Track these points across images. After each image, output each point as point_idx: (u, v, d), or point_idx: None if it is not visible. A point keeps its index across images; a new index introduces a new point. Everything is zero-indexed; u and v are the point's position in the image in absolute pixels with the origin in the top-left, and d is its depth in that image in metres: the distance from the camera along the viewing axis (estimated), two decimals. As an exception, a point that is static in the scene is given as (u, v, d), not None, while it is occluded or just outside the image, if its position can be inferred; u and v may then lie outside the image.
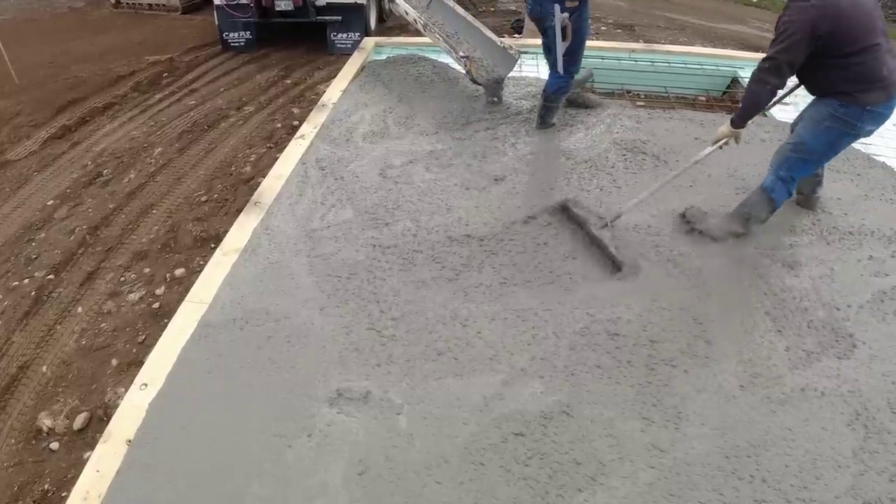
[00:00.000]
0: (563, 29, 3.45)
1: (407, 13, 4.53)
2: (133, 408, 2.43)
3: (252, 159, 5.27)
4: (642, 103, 5.08)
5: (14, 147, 6.19)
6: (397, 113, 4.30)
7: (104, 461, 2.24)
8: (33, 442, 3.24)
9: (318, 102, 4.45)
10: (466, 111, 4.25)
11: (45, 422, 3.31)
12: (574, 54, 3.69)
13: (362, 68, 5.09)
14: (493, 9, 9.70)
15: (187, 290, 4.06)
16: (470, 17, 4.66)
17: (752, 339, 2.62)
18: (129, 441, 2.31)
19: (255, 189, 4.86)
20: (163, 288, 4.14)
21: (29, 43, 8.84)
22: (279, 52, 8.05)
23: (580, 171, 3.63)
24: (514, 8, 9.63)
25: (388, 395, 2.38)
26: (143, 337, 3.82)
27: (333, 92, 4.60)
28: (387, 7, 8.92)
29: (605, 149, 3.86)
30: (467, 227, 3.18)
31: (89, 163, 5.76)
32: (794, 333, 2.64)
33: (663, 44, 8.18)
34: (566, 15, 3.42)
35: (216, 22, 7.94)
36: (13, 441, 3.25)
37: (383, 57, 5.33)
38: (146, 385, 2.52)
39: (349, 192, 3.49)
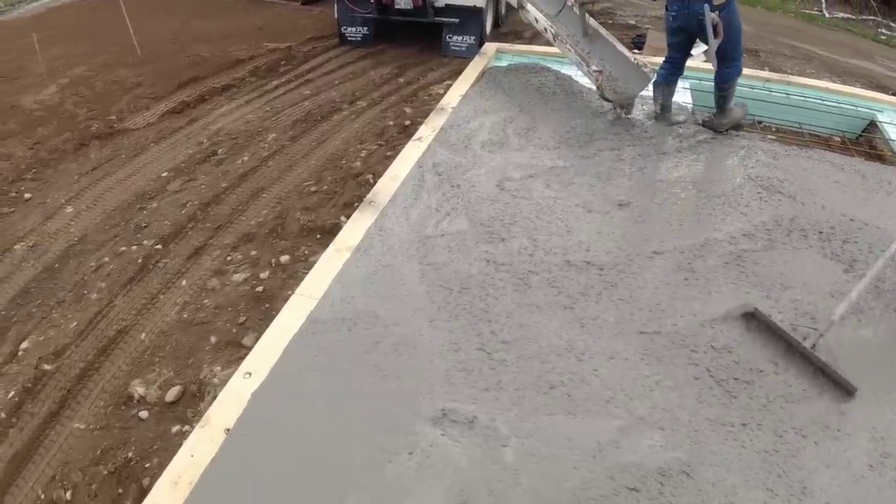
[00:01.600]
0: (714, 27, 3.58)
1: (537, 21, 4.41)
2: (235, 396, 2.43)
3: (363, 155, 5.31)
4: (774, 137, 4.74)
5: (133, 116, 6.50)
6: (517, 123, 4.19)
7: (200, 447, 2.22)
8: (123, 408, 3.29)
9: (437, 105, 4.41)
10: (590, 128, 4.08)
11: (138, 389, 3.36)
12: (734, 46, 3.90)
13: (482, 74, 5.02)
14: (610, 21, 9.41)
15: (290, 278, 4.17)
16: (602, 30, 4.49)
17: (888, 415, 2.36)
18: (228, 430, 2.29)
19: (364, 185, 4.93)
20: (267, 272, 4.21)
21: (154, 16, 9.33)
22: (394, 50, 8.12)
23: (712, 206, 3.39)
24: (633, 22, 9.32)
25: (494, 424, 2.26)
26: (244, 319, 3.88)
27: (452, 96, 4.55)
28: (503, 12, 8.88)
29: (738, 184, 3.60)
30: (587, 253, 3.03)
31: (205, 140, 5.99)
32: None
33: (798, 75, 7.68)
34: (716, 14, 3.56)
35: (335, 15, 8.11)
36: (102, 404, 3.31)
37: (504, 64, 5.24)
38: (250, 374, 2.52)
39: (465, 202, 3.41)
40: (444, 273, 2.94)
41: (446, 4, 7.66)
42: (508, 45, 5.58)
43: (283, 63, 7.69)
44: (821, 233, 3.24)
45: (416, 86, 6.93)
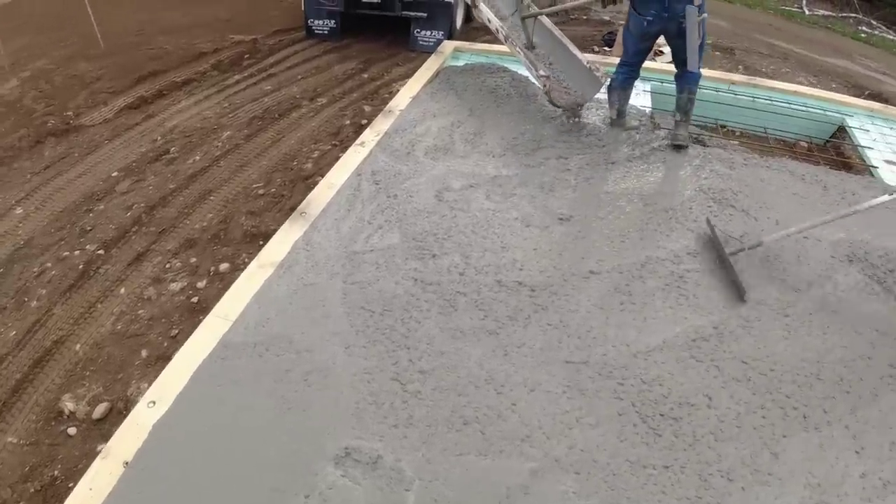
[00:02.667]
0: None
1: (489, 21, 4.20)
2: (137, 426, 2.27)
3: (315, 156, 5.09)
4: (737, 143, 4.57)
5: (90, 112, 6.27)
6: (466, 128, 3.98)
7: (98, 479, 2.10)
8: (53, 423, 3.16)
9: (385, 108, 4.19)
10: (539, 134, 3.88)
11: (68, 405, 3.24)
12: (702, 48, 3.70)
13: (436, 74, 4.81)
14: (585, 17, 9.17)
15: (226, 288, 3.96)
16: (557, 31, 4.28)
17: (827, 456, 2.19)
18: (127, 463, 2.14)
19: (313, 188, 4.72)
20: (204, 282, 4.02)
21: (124, 5, 9.03)
22: (361, 44, 7.87)
23: (657, 221, 3.21)
24: (607, 18, 9.08)
25: (399, 465, 2.09)
26: (177, 332, 3.70)
27: (402, 97, 4.33)
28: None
29: (689, 196, 3.42)
30: (520, 273, 2.84)
31: (159, 138, 5.75)
32: (874, 457, 2.19)
33: (772, 76, 7.51)
34: (706, 16, 3.42)
35: (303, 7, 7.84)
36: (34, 418, 3.18)
37: (461, 63, 5.02)
38: (154, 403, 2.35)
39: (400, 214, 3.21)
40: (367, 293, 2.75)
41: (414, -2, 7.42)
42: (468, 43, 5.36)
43: (246, 57, 7.42)
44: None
45: (379, 82, 6.70)
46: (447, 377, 2.38)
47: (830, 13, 10.49)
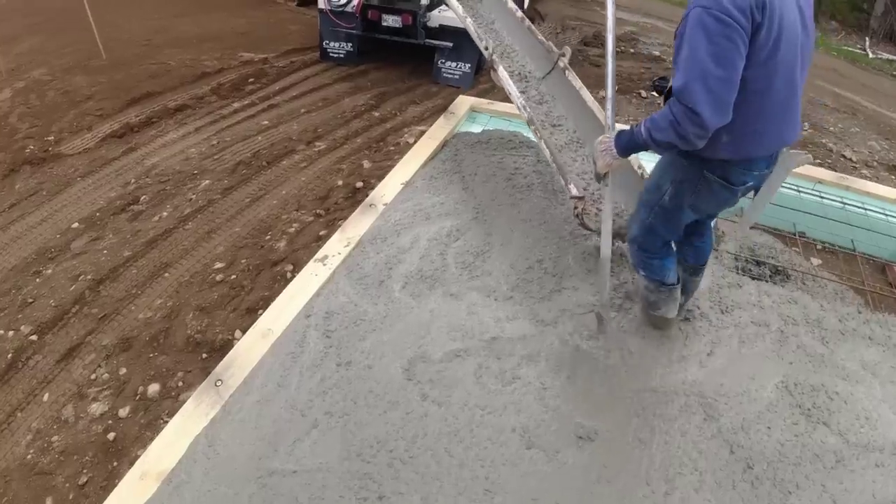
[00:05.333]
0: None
1: (510, 94, 2.99)
2: None
3: (292, 230, 3.97)
4: (819, 261, 3.32)
5: (72, 138, 5.29)
6: (466, 241, 2.81)
7: None
8: None
9: (366, 200, 3.04)
10: (561, 265, 2.66)
11: None
12: None
13: (443, 145, 3.61)
14: (632, 51, 7.78)
15: (149, 426, 2.90)
16: (603, 114, 3.02)
17: None
18: None
19: (279, 280, 3.61)
20: (128, 409, 2.96)
21: (138, 9, 8.03)
22: (379, 72, 6.69)
23: (721, 459, 2.00)
24: (657, 53, 7.66)
25: None
26: (85, 479, 2.69)
27: (391, 184, 3.17)
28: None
29: (768, 402, 2.19)
30: (510, 556, 1.70)
31: (133, 181, 4.71)
32: None
33: (842, 136, 6.10)
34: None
35: (319, 27, 6.68)
36: None
37: (477, 128, 3.82)
38: None
39: (349, 401, 2.08)
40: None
41: (441, 25, 6.19)
42: (487, 102, 4.12)
43: (251, 80, 6.31)
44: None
45: (389, 125, 5.52)
46: None
47: (894, 57, 8.89)
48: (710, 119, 1.59)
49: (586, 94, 3.05)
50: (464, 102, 4.03)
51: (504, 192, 3.14)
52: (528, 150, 3.49)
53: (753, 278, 2.91)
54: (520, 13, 3.50)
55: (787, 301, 2.72)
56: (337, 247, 2.72)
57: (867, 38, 9.38)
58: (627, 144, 1.89)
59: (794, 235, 3.46)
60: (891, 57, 8.91)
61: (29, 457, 2.77)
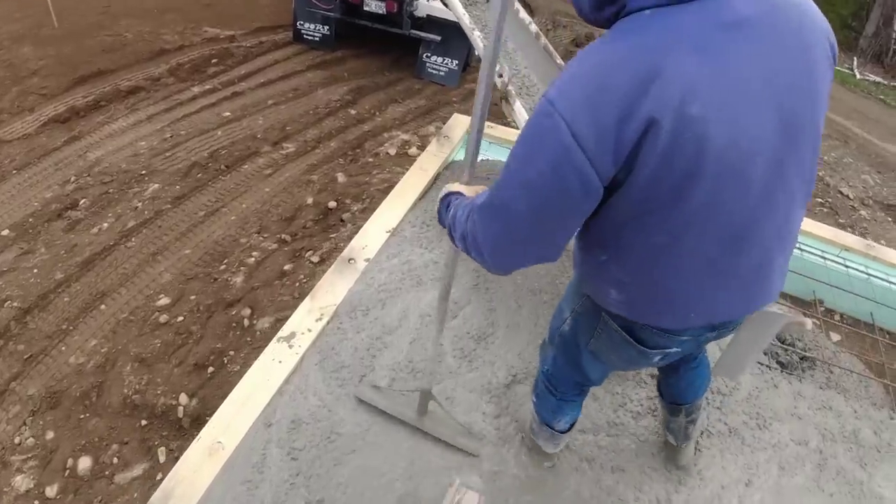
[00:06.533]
0: None
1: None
2: None
3: (251, 260, 3.38)
4: (838, 337, 2.98)
5: (11, 121, 4.54)
6: (466, 318, 2.30)
7: None
8: None
9: (344, 253, 2.49)
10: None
11: None
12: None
13: (436, 179, 3.07)
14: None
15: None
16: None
17: None
18: None
19: (233, 327, 3.03)
20: (55, 488, 2.41)
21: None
22: (357, 60, 5.99)
23: None
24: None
25: None
26: None
27: (375, 231, 2.62)
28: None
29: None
30: None
31: (73, 178, 4.02)
32: None
33: (835, 167, 5.81)
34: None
35: (293, 5, 5.93)
36: None
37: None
38: None
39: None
40: None
41: (428, 16, 5.54)
42: (487, 124, 3.57)
43: (214, 61, 5.54)
44: None
45: (367, 126, 4.90)
46: None
47: (881, 80, 8.67)
48: (491, 264, 1.11)
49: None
50: (459, 124, 3.47)
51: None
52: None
53: (783, 367, 2.53)
54: (534, 27, 2.96)
55: (822, 407, 2.36)
56: (307, 320, 2.19)
57: (855, 59, 9.12)
58: (441, 217, 1.31)
59: (814, 302, 3.10)
60: (878, 79, 8.67)
61: None
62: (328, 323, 2.20)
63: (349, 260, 2.46)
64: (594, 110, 0.88)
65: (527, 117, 2.46)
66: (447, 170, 3.17)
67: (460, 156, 3.33)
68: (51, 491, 2.41)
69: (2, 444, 2.56)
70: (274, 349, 2.09)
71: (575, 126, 0.89)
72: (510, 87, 2.51)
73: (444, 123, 4.60)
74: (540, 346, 1.67)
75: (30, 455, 2.54)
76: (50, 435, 2.60)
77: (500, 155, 3.33)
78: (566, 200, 0.96)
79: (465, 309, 2.33)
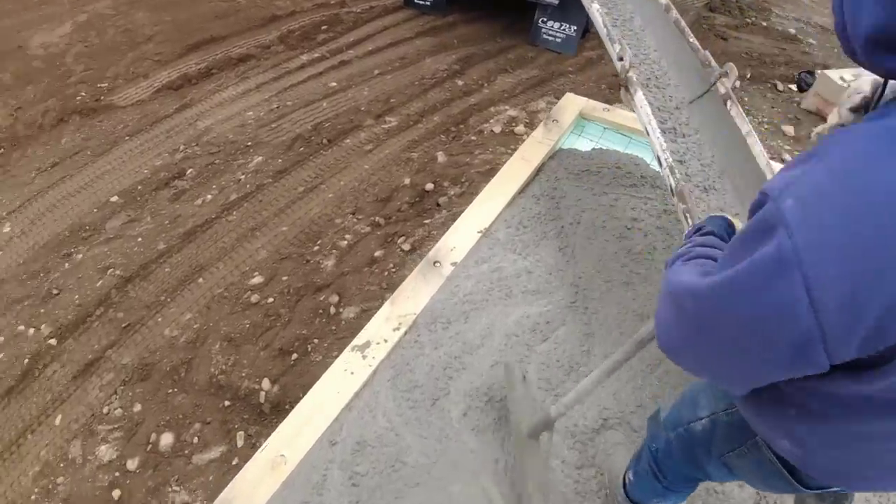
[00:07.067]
0: None
1: (646, 129, 2.11)
2: None
3: (344, 243, 3.31)
4: None
5: (125, 87, 4.78)
6: (558, 343, 2.04)
7: None
8: None
9: (430, 254, 2.30)
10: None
11: None
12: None
13: (538, 171, 2.78)
14: (764, 23, 6.30)
15: (157, 490, 2.47)
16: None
17: None
18: None
19: (321, 314, 2.99)
20: (136, 461, 2.52)
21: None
22: (468, 26, 5.68)
23: None
24: (793, 31, 6.15)
25: None
26: None
27: (465, 230, 2.40)
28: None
29: None
30: None
31: (182, 146, 4.17)
32: None
33: None
34: None
35: (405, -32, 5.71)
36: None
37: (584, 146, 2.94)
38: None
39: None
40: None
41: (547, -23, 5.10)
42: (602, 106, 3.17)
43: (323, 28, 5.50)
44: None
45: (473, 100, 4.63)
46: None
47: None
48: (665, 350, 0.84)
49: (754, 143, 2.11)
50: (570, 106, 3.11)
51: (615, 259, 2.32)
52: (651, 191, 2.61)
53: None
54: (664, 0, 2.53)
55: None
56: (384, 329, 2.04)
57: None
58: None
59: None
60: None
61: (33, 497, 2.42)
62: (406, 334, 2.04)
63: (434, 263, 2.27)
64: (856, 283, 0.58)
65: (649, 113, 2.09)
66: (554, 159, 2.85)
67: (569, 143, 2.99)
68: (132, 464, 2.51)
69: (92, 411, 2.70)
70: (347, 358, 1.97)
71: (818, 295, 0.59)
72: (631, 74, 2.14)
73: (556, 99, 4.23)
74: (650, 419, 1.38)
75: (116, 426, 2.66)
76: (137, 407, 2.71)
77: (616, 143, 2.95)
78: (770, 364, 0.71)
79: (557, 332, 2.07)
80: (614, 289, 2.20)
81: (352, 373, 1.91)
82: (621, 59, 2.21)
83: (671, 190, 1.92)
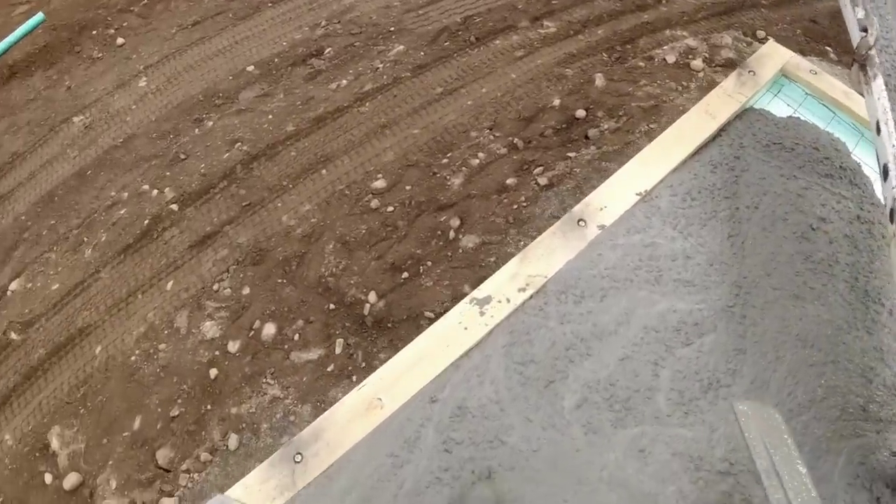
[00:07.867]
0: None
1: (881, 128, 1.64)
2: None
3: (476, 161, 3.03)
4: None
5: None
6: (703, 350, 1.76)
7: None
8: (37, 454, 2.44)
9: (576, 210, 2.03)
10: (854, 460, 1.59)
11: (54, 441, 2.44)
12: None
13: (719, 132, 2.34)
14: None
15: (252, 378, 2.57)
16: None
17: None
18: None
19: (437, 235, 2.84)
20: (237, 345, 2.59)
21: None
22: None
23: None
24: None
25: None
26: (177, 413, 2.52)
27: (621, 188, 2.09)
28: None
29: None
30: None
31: (324, 21, 3.98)
32: None
33: None
34: None
35: None
36: (27, 449, 2.47)
37: (782, 110, 2.43)
38: None
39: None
40: None
41: None
42: (810, 64, 2.55)
43: None
44: None
45: (647, 17, 3.96)
46: None
47: None
48: None
49: None
50: (774, 56, 2.54)
51: (789, 264, 1.94)
52: (848, 188, 2.12)
53: None
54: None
55: None
56: (508, 287, 1.86)
57: None
58: None
59: None
60: None
61: (133, 358, 2.61)
62: (531, 298, 1.85)
63: (579, 221, 2.01)
64: None
65: (887, 108, 1.62)
66: (741, 119, 2.39)
67: (761, 103, 2.48)
68: (232, 346, 2.60)
69: (203, 283, 2.79)
70: (463, 310, 1.83)
71: None
72: (873, 53, 1.64)
73: (744, 36, 3.54)
74: None
75: (223, 305, 2.75)
76: (246, 290, 2.77)
77: (817, 116, 2.40)
78: None
79: (704, 338, 1.79)
80: (781, 300, 1.85)
81: (466, 328, 1.77)
82: (864, 30, 1.69)
83: (890, 215, 1.50)
